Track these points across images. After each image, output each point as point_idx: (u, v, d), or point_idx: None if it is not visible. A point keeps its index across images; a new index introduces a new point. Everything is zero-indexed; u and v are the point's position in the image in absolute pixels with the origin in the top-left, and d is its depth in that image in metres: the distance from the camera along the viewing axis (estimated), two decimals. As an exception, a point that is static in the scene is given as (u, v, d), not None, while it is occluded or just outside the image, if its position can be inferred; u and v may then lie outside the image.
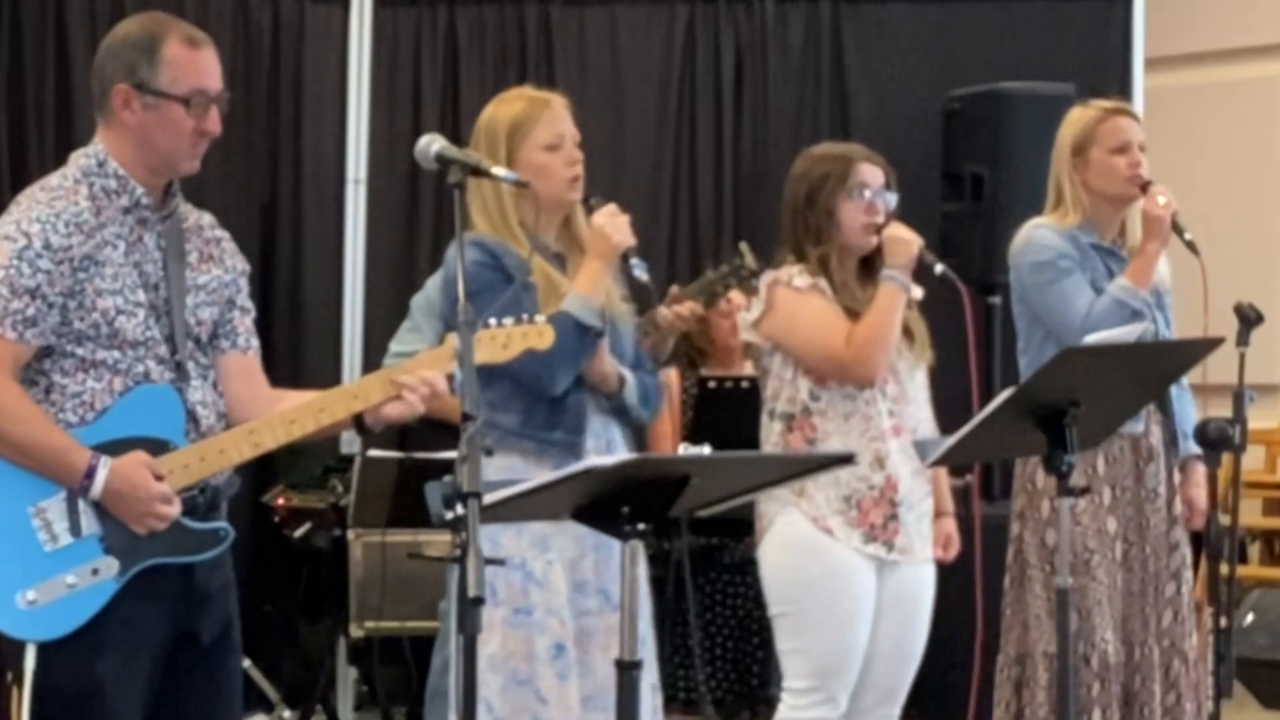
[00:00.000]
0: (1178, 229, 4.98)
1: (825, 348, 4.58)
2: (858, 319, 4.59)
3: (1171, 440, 5.03)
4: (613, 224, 4.27)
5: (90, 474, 3.39)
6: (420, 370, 3.52)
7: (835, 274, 4.65)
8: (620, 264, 4.30)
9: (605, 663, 4.22)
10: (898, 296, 4.59)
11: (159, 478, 3.43)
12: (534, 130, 4.28)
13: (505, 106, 4.35)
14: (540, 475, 4.02)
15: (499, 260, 4.20)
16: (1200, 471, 5.04)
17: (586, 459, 4.11)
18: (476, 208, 4.28)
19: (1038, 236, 5.01)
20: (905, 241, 4.62)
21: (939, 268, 4.68)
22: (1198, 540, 5.17)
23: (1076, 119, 5.09)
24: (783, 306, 4.64)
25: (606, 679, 4.22)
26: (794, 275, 4.65)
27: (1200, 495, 5.05)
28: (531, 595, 4.20)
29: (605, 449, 4.26)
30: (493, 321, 3.57)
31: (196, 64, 3.52)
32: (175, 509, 3.44)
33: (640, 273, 4.27)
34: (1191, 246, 4.92)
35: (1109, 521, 4.93)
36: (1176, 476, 5.04)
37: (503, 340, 3.58)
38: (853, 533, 4.57)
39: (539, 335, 3.62)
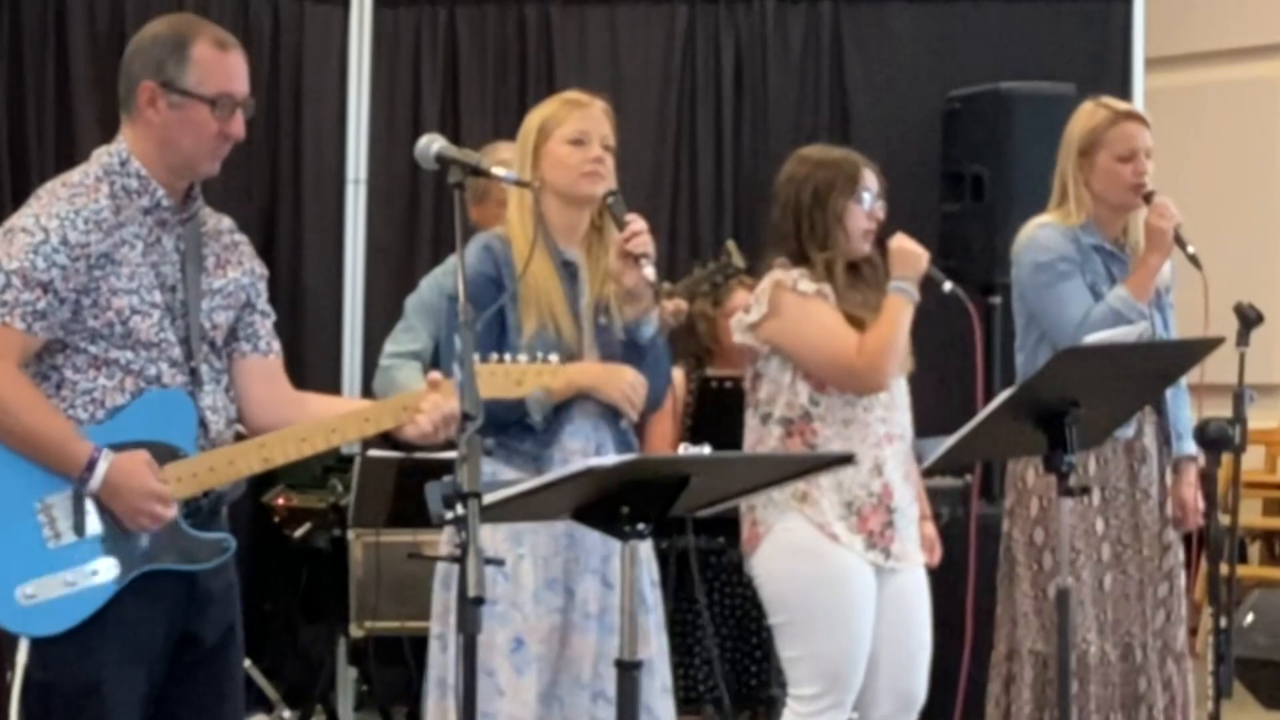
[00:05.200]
0: (1180, 242, 4.96)
1: (835, 355, 4.55)
2: (857, 325, 4.58)
3: (1166, 440, 5.02)
4: (615, 383, 4.30)
5: (91, 466, 3.39)
6: (432, 397, 3.51)
7: (838, 279, 4.63)
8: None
9: (565, 660, 4.25)
10: (907, 308, 4.58)
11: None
12: (561, 126, 4.36)
13: (541, 108, 4.45)
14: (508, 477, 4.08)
15: (500, 271, 4.23)
16: (1193, 471, 5.04)
17: (552, 470, 4.08)
18: (513, 201, 4.36)
19: (1041, 236, 5.00)
20: (915, 255, 4.61)
21: (947, 285, 4.69)
22: (1189, 539, 5.17)
23: (1087, 118, 5.05)
24: (789, 311, 4.59)
25: (565, 675, 4.25)
26: (798, 279, 4.61)
27: (1192, 495, 5.05)
28: (497, 588, 4.20)
29: (595, 453, 4.27)
30: (508, 357, 3.60)
31: (225, 66, 3.52)
32: (171, 511, 3.43)
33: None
34: (1194, 261, 4.90)
35: (1096, 522, 4.93)
36: (1169, 476, 5.04)
37: (517, 377, 3.60)
38: (855, 538, 4.56)
39: (552, 374, 3.66)
